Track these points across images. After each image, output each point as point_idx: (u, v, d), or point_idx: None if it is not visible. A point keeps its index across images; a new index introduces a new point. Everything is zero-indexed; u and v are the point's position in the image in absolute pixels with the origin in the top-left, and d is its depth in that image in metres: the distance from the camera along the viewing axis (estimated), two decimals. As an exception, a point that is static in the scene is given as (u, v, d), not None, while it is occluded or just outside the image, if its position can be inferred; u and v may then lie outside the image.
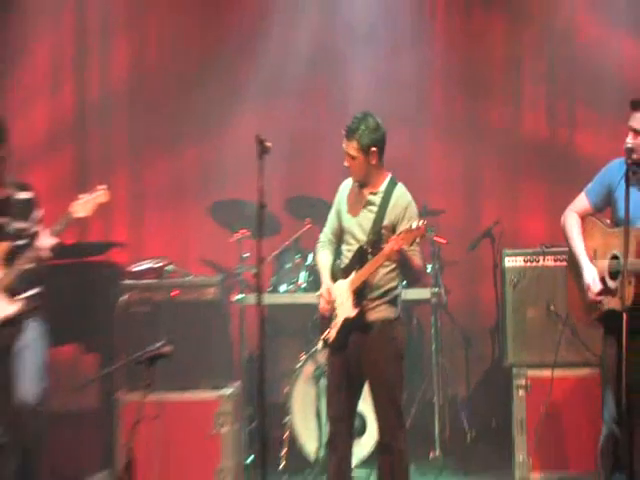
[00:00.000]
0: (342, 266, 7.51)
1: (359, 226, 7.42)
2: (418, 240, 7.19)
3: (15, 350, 7.62)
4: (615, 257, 6.93)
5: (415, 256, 7.39)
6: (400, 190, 7.46)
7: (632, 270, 6.74)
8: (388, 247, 7.24)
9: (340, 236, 7.61)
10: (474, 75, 10.86)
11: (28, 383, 7.57)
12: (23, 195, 7.74)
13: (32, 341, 7.65)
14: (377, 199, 7.39)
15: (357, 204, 7.48)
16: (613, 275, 6.92)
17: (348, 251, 7.51)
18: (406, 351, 7.90)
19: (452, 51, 10.83)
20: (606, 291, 6.97)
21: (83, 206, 7.57)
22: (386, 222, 7.36)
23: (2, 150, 7.65)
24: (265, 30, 10.71)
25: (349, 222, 7.48)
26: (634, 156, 6.88)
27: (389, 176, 7.48)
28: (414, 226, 7.16)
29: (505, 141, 10.85)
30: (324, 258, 7.63)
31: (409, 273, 7.54)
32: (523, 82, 10.86)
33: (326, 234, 7.67)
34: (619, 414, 6.83)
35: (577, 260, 7.14)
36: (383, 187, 7.44)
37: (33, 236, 7.62)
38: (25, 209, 7.72)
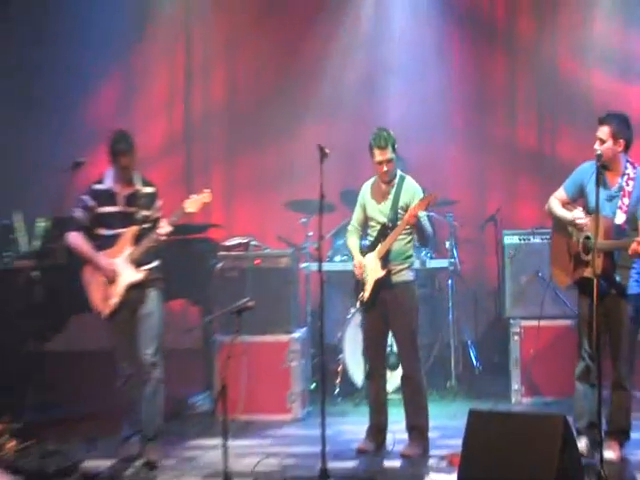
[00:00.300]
0: (368, 244, 7.68)
1: (380, 212, 7.63)
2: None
3: (141, 313, 7.66)
4: (587, 237, 6.93)
5: (427, 224, 7.61)
6: (409, 180, 7.71)
7: (600, 247, 6.76)
8: (408, 213, 7.44)
9: (364, 224, 7.77)
10: (481, 99, 10.89)
11: (149, 342, 7.62)
12: (148, 190, 7.77)
13: (154, 309, 7.67)
14: (393, 190, 7.53)
15: (378, 197, 7.69)
16: (586, 251, 6.95)
17: (371, 233, 7.69)
18: (425, 306, 8.05)
19: (465, 81, 10.84)
20: (581, 263, 7.00)
21: (193, 203, 7.61)
22: (401, 204, 7.53)
23: (131, 156, 7.73)
24: (324, 65, 10.75)
25: (373, 211, 7.67)
26: (602, 160, 6.90)
27: (399, 172, 7.63)
28: (426, 194, 7.48)
29: (504, 149, 10.91)
30: (353, 241, 7.83)
31: (423, 237, 7.74)
32: (518, 105, 10.88)
33: (353, 224, 7.85)
34: (592, 350, 6.90)
35: (566, 219, 7.12)
36: (396, 181, 7.61)
37: (155, 222, 7.63)
38: (149, 200, 7.73)
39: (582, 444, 6.90)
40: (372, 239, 7.72)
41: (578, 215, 7.01)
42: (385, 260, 7.61)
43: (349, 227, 7.94)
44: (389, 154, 7.55)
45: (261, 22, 11.02)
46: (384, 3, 10.96)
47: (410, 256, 7.79)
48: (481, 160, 10.85)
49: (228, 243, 9.35)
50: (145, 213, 7.69)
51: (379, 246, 7.63)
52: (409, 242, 7.73)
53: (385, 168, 7.59)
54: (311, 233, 9.35)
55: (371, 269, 7.64)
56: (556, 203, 7.22)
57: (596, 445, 6.90)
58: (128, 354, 7.71)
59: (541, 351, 8.91)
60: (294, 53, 10.87)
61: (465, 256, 9.92)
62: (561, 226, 7.24)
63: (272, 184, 10.54)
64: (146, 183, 7.79)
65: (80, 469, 7.37)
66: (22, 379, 8.47)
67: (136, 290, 7.68)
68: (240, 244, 9.34)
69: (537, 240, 8.70)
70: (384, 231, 7.64)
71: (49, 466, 7.30)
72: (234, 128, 11.07)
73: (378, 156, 7.57)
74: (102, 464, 7.51)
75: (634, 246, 6.74)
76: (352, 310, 8.46)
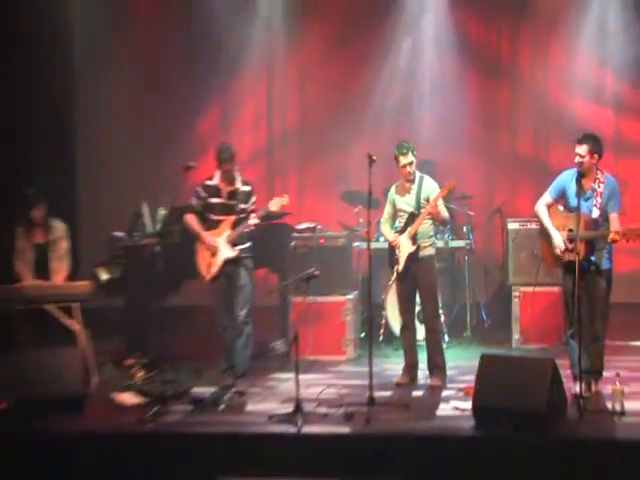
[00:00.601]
0: (398, 229, 7.72)
1: (407, 203, 7.68)
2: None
3: (237, 285, 7.76)
4: (570, 230, 6.94)
5: (444, 211, 7.66)
6: (427, 178, 7.79)
7: (582, 237, 6.80)
8: (430, 203, 7.55)
9: (394, 216, 7.80)
10: (490, 118, 10.82)
11: (242, 306, 7.77)
12: (245, 188, 7.86)
13: (247, 281, 7.79)
14: (415, 186, 7.59)
15: (403, 192, 7.76)
16: (570, 241, 6.96)
17: (401, 220, 7.74)
18: (447, 276, 8.08)
19: (477, 104, 10.76)
20: (566, 249, 7.02)
21: (275, 204, 7.69)
22: (423, 196, 7.61)
23: (232, 162, 7.83)
24: (372, 92, 10.72)
25: (400, 204, 7.74)
26: (580, 170, 6.92)
27: (419, 173, 7.69)
28: (445, 185, 7.53)
29: (508, 156, 10.84)
30: (386, 227, 7.90)
31: (442, 222, 7.83)
32: (519, 122, 10.80)
33: (384, 217, 7.93)
34: (574, 316, 6.92)
35: (549, 232, 7.10)
36: (417, 179, 7.65)
37: (249, 213, 7.75)
38: (246, 197, 7.82)
39: (577, 385, 6.88)
40: (402, 225, 7.78)
41: (559, 244, 7.03)
42: (414, 239, 7.69)
43: (381, 219, 8.02)
44: (409, 158, 7.64)
45: (324, 61, 10.99)
46: (417, 45, 10.87)
47: (432, 236, 7.88)
48: (490, 164, 10.79)
49: (299, 227, 9.37)
50: (242, 206, 7.80)
51: (409, 229, 7.69)
52: (431, 225, 7.81)
53: (408, 169, 7.67)
54: (362, 220, 9.34)
55: (404, 246, 7.71)
56: (543, 211, 7.20)
57: (588, 385, 7.01)
58: (226, 311, 7.83)
59: (535, 310, 8.85)
60: (349, 84, 10.77)
61: (478, 238, 9.86)
62: (545, 229, 7.24)
63: (332, 183, 10.45)
64: (245, 183, 7.88)
65: (190, 394, 7.51)
66: (148, 327, 8.61)
67: (231, 264, 7.79)
68: (308, 228, 9.36)
69: (533, 226, 8.64)
70: (412, 217, 7.72)
71: (167, 391, 7.42)
72: (304, 142, 11.08)
73: (402, 160, 7.66)
74: (206, 391, 7.63)
75: (612, 236, 6.79)
76: (391, 278, 8.49)
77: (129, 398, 7.48)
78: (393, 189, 7.90)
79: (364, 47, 10.75)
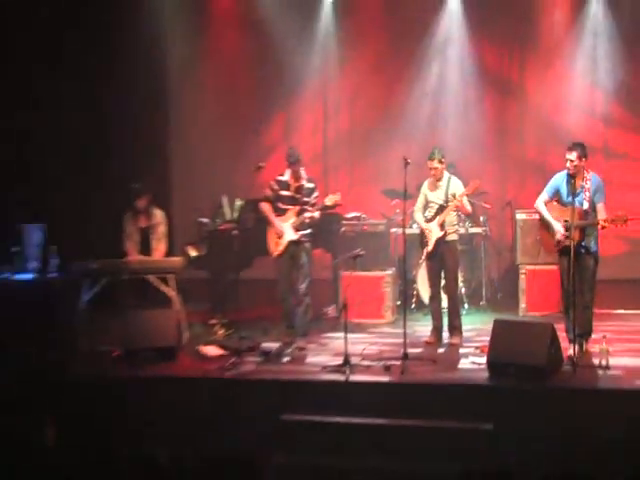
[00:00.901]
0: (428, 217, 7.69)
1: (437, 197, 7.64)
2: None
3: (299, 263, 7.82)
4: (566, 221, 6.93)
5: (469, 206, 7.66)
6: (454, 178, 7.75)
7: (577, 225, 6.81)
8: (458, 197, 7.51)
9: (425, 206, 7.74)
10: (502, 128, 10.66)
11: (303, 280, 7.85)
12: (309, 185, 7.94)
13: (306, 261, 7.87)
14: (444, 183, 7.54)
15: (433, 188, 7.70)
16: (566, 229, 6.93)
17: (430, 210, 7.68)
18: (467, 256, 8.05)
19: (492, 117, 10.64)
20: (563, 236, 7.00)
21: (330, 199, 7.73)
22: (450, 192, 7.57)
23: (299, 163, 7.89)
24: (407, 105, 10.59)
25: (431, 197, 7.70)
26: (570, 172, 6.94)
27: (447, 174, 7.63)
28: (471, 184, 7.49)
29: (517, 160, 10.66)
30: (419, 216, 7.82)
31: (466, 214, 8.00)
32: (525, 132, 10.65)
33: (417, 206, 7.85)
34: (568, 292, 6.92)
35: (549, 223, 7.10)
36: (445, 178, 7.60)
37: (312, 205, 7.82)
38: (309, 192, 7.89)
39: (571, 346, 6.88)
40: (432, 214, 7.77)
41: (559, 230, 7.02)
42: (442, 226, 7.70)
43: (414, 208, 7.98)
44: (435, 164, 7.65)
45: (368, 81, 10.88)
46: (443, 68, 10.74)
47: (456, 224, 7.91)
48: (502, 166, 10.64)
49: (348, 216, 9.37)
50: (306, 199, 7.86)
51: (437, 218, 7.68)
52: (455, 215, 7.85)
53: (432, 172, 7.70)
54: (398, 210, 9.29)
55: (433, 232, 7.71)
56: (542, 207, 7.19)
57: (580, 345, 7.02)
58: (286, 284, 7.91)
59: (538, 284, 8.84)
60: (388, 100, 10.68)
61: (492, 226, 9.76)
62: (545, 221, 7.21)
63: (375, 180, 10.36)
64: (309, 180, 7.95)
65: (260, 348, 7.59)
66: (227, 294, 8.71)
67: (293, 245, 7.86)
68: (355, 217, 9.37)
69: (536, 217, 8.52)
70: (441, 209, 7.72)
71: (243, 345, 7.54)
72: (353, 147, 11.00)
73: (429, 164, 7.70)
74: (272, 345, 7.71)
75: (602, 223, 6.82)
76: (422, 258, 8.50)
77: (212, 350, 7.59)
78: (426, 184, 7.88)
79: (400, 70, 10.67)
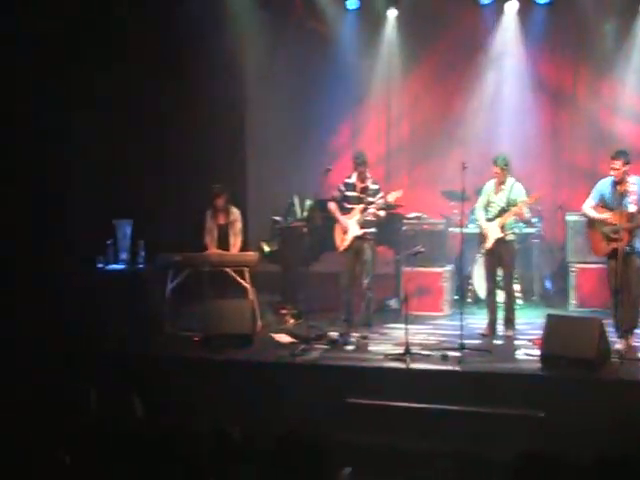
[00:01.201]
0: (490, 218, 7.59)
1: (499, 199, 7.55)
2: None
3: (363, 259, 7.81)
4: (614, 224, 6.88)
5: (528, 214, 7.58)
6: (517, 184, 7.62)
7: (625, 228, 6.74)
8: (520, 205, 7.42)
9: (486, 206, 7.64)
10: (555, 135, 10.46)
11: (366, 276, 7.86)
12: (374, 186, 7.97)
13: (370, 258, 7.85)
14: (507, 188, 7.43)
15: (497, 191, 7.63)
16: (614, 232, 6.87)
17: (491, 210, 7.59)
18: (522, 255, 7.99)
19: (546, 124, 10.43)
20: (610, 240, 6.92)
21: (392, 196, 7.78)
22: (512, 197, 7.49)
23: (365, 166, 7.90)
24: (466, 113, 10.44)
25: (493, 198, 7.60)
26: (617, 178, 6.86)
27: (511, 179, 7.52)
28: (533, 195, 7.51)
29: (569, 167, 10.38)
30: (481, 214, 7.70)
31: (524, 221, 7.84)
32: (577, 139, 10.39)
33: (479, 204, 7.75)
34: (616, 290, 6.81)
35: (601, 218, 7.00)
36: (509, 182, 7.50)
37: (377, 207, 7.82)
38: (374, 193, 7.91)
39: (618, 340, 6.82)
40: (492, 215, 7.68)
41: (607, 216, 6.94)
42: (502, 228, 7.62)
43: (476, 206, 7.90)
44: (497, 169, 7.58)
45: (429, 90, 10.82)
46: (499, 78, 10.56)
47: (514, 226, 7.79)
48: (554, 171, 10.42)
49: (409, 215, 9.32)
50: (370, 199, 7.86)
51: (498, 220, 7.59)
52: (514, 219, 7.72)
53: (496, 176, 7.62)
54: (456, 211, 9.12)
55: (493, 231, 7.63)
56: (590, 210, 7.13)
57: (626, 339, 6.94)
58: (349, 278, 7.95)
59: (587, 281, 8.73)
60: (448, 107, 10.58)
61: (545, 227, 9.64)
62: (593, 223, 7.12)
63: (434, 182, 10.21)
64: (374, 182, 7.98)
65: (327, 336, 7.63)
66: (297, 286, 8.76)
67: (358, 241, 7.89)
68: (416, 216, 9.32)
69: (583, 219, 8.38)
70: (502, 211, 7.63)
71: (311, 333, 7.58)
72: (414, 152, 10.93)
73: (494, 169, 7.63)
74: (338, 334, 7.71)
75: None
76: (478, 255, 8.43)
77: (283, 338, 7.69)
78: (490, 185, 7.76)
79: (458, 81, 10.57)
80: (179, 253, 8.07)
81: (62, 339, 7.14)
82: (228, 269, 8.09)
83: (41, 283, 7.71)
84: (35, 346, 6.88)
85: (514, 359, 6.92)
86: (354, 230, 7.90)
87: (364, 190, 7.95)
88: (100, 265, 8.05)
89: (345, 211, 7.99)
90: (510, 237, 7.73)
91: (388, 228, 8.69)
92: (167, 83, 9.23)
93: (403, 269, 8.76)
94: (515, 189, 7.62)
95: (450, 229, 9.35)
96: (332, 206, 8.07)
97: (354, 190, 7.98)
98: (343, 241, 7.97)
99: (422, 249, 7.66)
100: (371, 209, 7.80)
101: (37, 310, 7.41)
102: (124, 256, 8.14)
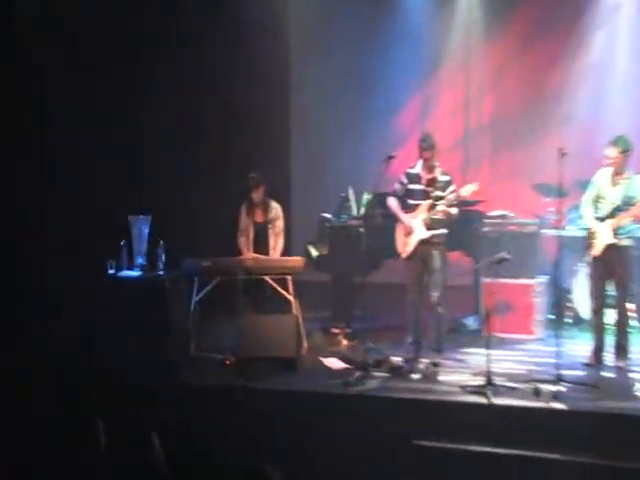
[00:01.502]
0: (599, 217, 7.37)
1: (613, 195, 7.30)
2: None
3: (432, 267, 7.73)
4: None
5: None
6: (638, 176, 7.31)
7: None
8: (638, 205, 7.15)
9: (595, 201, 7.44)
10: None
11: (436, 288, 7.73)
12: (444, 178, 7.86)
13: (441, 266, 7.74)
14: (624, 181, 7.27)
15: (613, 183, 7.39)
16: None
17: (601, 208, 7.38)
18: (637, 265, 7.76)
19: None
20: None
21: (466, 190, 7.65)
22: (629, 194, 7.27)
23: (432, 151, 7.81)
24: (562, 89, 10.38)
25: (606, 192, 7.34)
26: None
27: (632, 172, 7.27)
28: None
29: None
30: (589, 210, 7.48)
31: None
32: None
33: (587, 198, 7.50)
34: None
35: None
36: (627, 175, 7.33)
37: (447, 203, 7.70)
38: (444, 186, 7.78)
39: None
40: (604, 213, 7.43)
41: None
42: (615, 231, 7.42)
43: (582, 200, 7.64)
44: (615, 153, 7.31)
45: (519, 57, 10.75)
46: (613, 38, 10.40)
47: (630, 230, 7.51)
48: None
49: (491, 214, 9.19)
50: (439, 193, 7.76)
51: (609, 221, 7.35)
52: (631, 221, 7.48)
53: (611, 163, 7.35)
54: (551, 209, 8.95)
55: (603, 235, 7.40)
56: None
57: None
58: (417, 290, 7.84)
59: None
60: (542, 78, 10.49)
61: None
62: None
63: (524, 173, 10.13)
64: (444, 173, 7.85)
65: (389, 362, 7.56)
66: (352, 300, 8.68)
67: (424, 245, 7.78)
68: (500, 215, 9.17)
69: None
70: (616, 210, 7.40)
71: (369, 358, 7.49)
72: (497, 134, 10.85)
73: (609, 152, 7.35)
74: (402, 360, 7.65)
75: None
76: (580, 264, 8.20)
77: (335, 363, 7.66)
78: (604, 175, 7.48)
79: (557, 43, 10.44)
80: (207, 257, 8.08)
81: (58, 366, 7.16)
82: (267, 277, 8.09)
83: (37, 294, 7.83)
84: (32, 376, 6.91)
85: (629, 396, 6.74)
86: (419, 232, 7.80)
87: (431, 182, 7.82)
88: (111, 271, 8.10)
89: (408, 208, 7.89)
90: (625, 242, 7.42)
91: (463, 230, 8.58)
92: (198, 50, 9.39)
93: (483, 280, 8.62)
94: (635, 183, 7.35)
95: (543, 231, 9.14)
96: (392, 202, 7.97)
97: (419, 182, 7.86)
98: (405, 245, 7.87)
99: (508, 256, 7.49)
100: (440, 206, 7.69)
101: (33, 329, 7.54)
102: (140, 260, 8.16)
